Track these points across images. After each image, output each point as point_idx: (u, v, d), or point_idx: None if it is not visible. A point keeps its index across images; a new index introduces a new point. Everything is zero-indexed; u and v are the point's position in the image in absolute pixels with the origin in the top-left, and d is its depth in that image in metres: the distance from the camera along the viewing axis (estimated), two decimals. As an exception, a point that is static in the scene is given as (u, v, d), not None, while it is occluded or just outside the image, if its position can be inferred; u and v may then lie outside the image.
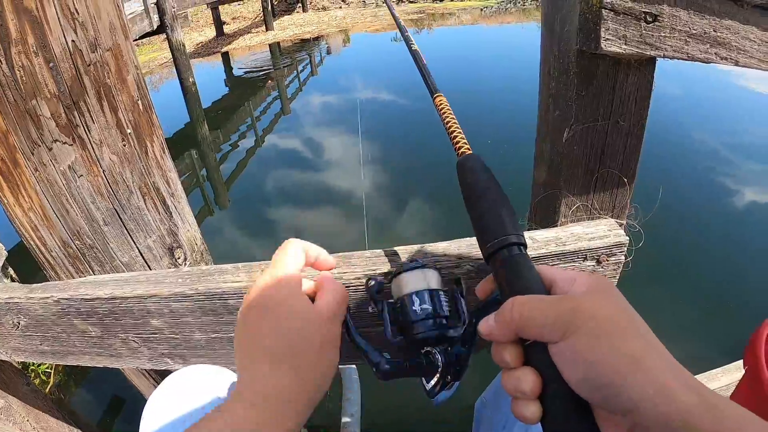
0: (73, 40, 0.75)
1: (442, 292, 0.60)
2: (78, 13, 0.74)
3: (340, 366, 1.74)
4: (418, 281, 0.61)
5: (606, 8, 0.62)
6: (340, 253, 0.80)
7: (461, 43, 11.44)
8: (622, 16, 0.62)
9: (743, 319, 2.66)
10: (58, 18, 0.72)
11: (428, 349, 0.57)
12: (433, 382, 0.56)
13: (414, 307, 0.58)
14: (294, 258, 0.58)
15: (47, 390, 2.62)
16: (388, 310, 0.61)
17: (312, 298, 0.55)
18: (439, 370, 0.56)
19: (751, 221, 3.81)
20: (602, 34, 0.63)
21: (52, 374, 2.69)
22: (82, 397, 2.74)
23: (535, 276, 0.48)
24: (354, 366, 1.68)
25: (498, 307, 0.46)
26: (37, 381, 2.62)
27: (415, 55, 0.86)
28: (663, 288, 2.97)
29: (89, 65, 0.78)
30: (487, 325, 0.45)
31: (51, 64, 0.73)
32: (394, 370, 0.57)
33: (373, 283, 0.64)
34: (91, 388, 2.78)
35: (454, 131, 0.66)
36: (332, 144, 6.26)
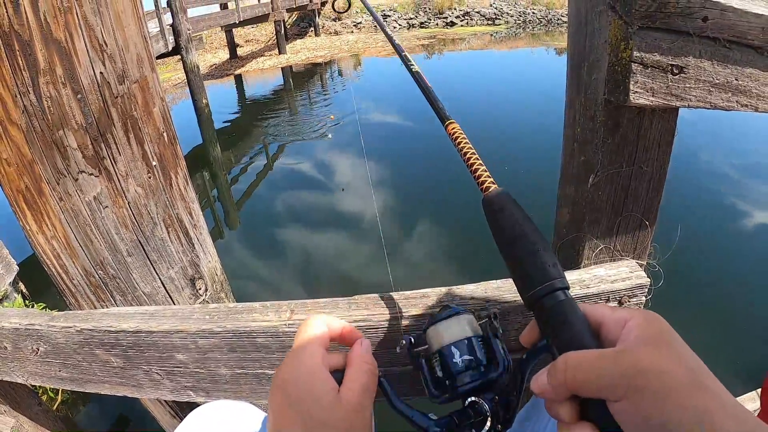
0: (101, 72, 0.75)
1: (477, 338, 0.58)
2: (107, 45, 0.75)
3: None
4: (455, 330, 0.58)
5: (635, 62, 0.62)
6: (370, 295, 0.80)
7: (463, 69, 11.56)
8: (650, 69, 0.63)
9: (759, 351, 2.64)
10: (87, 50, 0.73)
11: (473, 399, 0.55)
12: None
13: (455, 360, 0.56)
14: (315, 335, 0.56)
15: (54, 407, 2.61)
16: (425, 368, 0.59)
17: (341, 372, 0.53)
18: (489, 420, 0.53)
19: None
20: (631, 87, 0.63)
21: (59, 391, 2.69)
22: (89, 415, 2.73)
23: (583, 322, 0.46)
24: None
25: (546, 354, 0.45)
26: (44, 397, 2.62)
27: (416, 77, 0.77)
28: (679, 321, 2.96)
29: (116, 97, 0.78)
30: (539, 384, 0.44)
31: (79, 96, 0.74)
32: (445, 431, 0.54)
33: (404, 342, 0.61)
34: (97, 406, 2.77)
35: (475, 164, 0.60)
36: (342, 167, 6.30)
